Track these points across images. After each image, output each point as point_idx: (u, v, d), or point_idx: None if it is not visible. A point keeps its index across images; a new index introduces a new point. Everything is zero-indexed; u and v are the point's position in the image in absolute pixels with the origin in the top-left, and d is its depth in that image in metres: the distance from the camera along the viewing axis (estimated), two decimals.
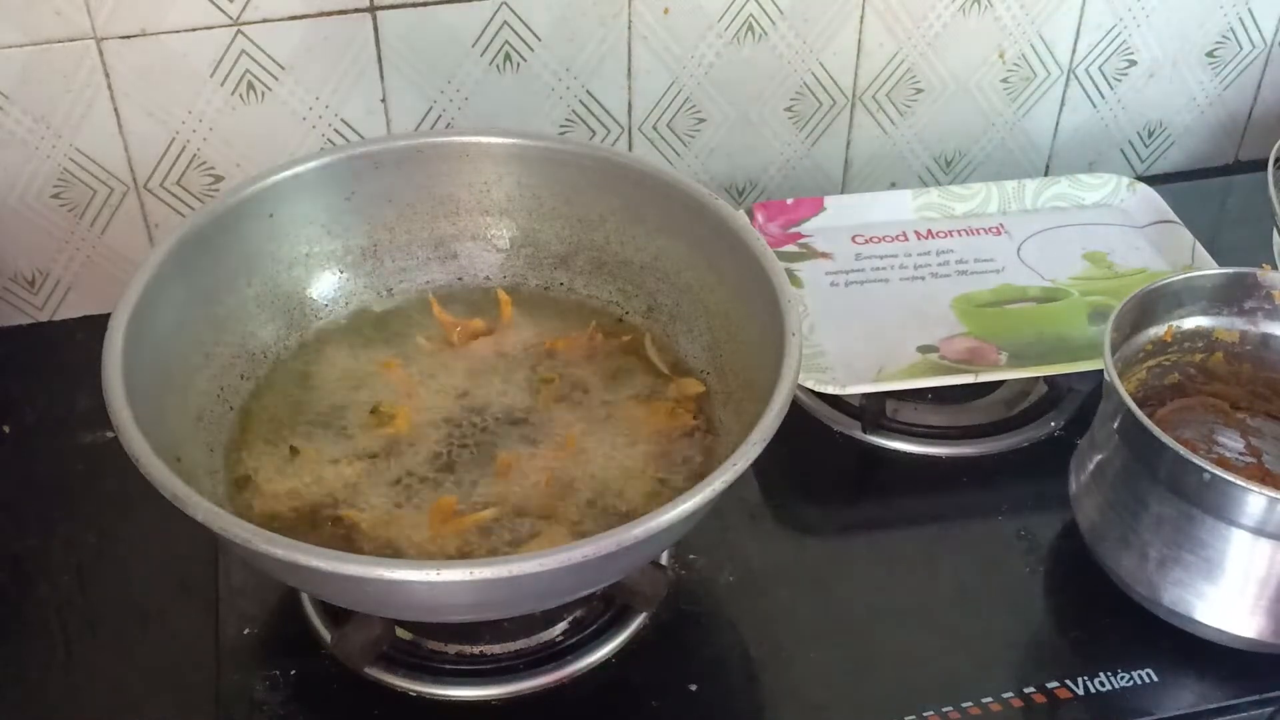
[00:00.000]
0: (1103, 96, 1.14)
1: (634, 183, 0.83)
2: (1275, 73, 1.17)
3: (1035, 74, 1.10)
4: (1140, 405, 0.73)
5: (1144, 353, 0.81)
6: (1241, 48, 1.15)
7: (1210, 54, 1.14)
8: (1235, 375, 0.83)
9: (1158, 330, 0.82)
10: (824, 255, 1.01)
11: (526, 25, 0.96)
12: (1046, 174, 1.17)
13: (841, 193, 1.11)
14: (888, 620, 0.77)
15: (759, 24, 1.01)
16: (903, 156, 1.12)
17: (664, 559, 0.79)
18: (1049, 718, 0.72)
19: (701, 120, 1.05)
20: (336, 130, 0.97)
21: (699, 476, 0.66)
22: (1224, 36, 1.13)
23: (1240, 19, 1.13)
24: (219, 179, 0.97)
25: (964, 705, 0.72)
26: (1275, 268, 0.93)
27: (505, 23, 0.96)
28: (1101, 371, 0.76)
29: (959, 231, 1.03)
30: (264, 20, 0.91)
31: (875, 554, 0.82)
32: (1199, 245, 0.99)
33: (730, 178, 1.09)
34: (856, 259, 1.00)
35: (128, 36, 0.89)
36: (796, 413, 0.86)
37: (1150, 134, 1.18)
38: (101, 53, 0.89)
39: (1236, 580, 0.71)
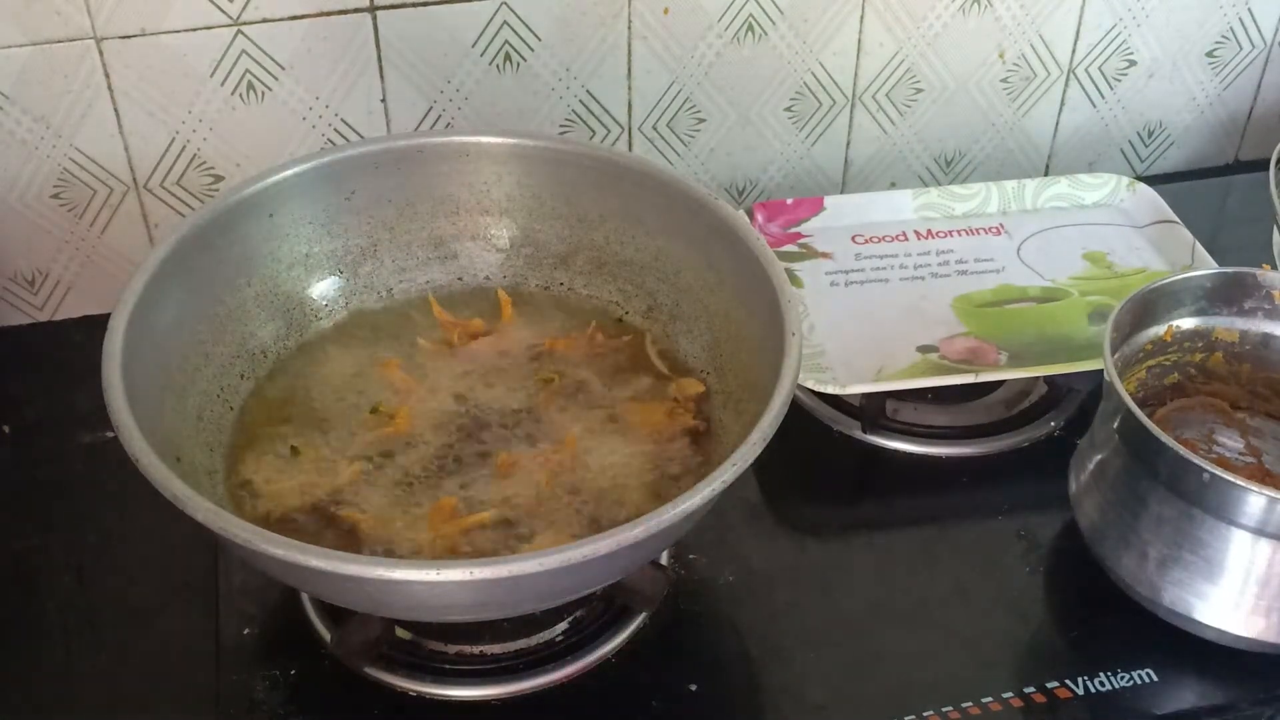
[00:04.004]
0: (1102, 96, 1.14)
1: (634, 183, 0.83)
2: (1275, 73, 1.17)
3: (1035, 74, 1.10)
4: (1140, 405, 0.73)
5: (1144, 353, 0.81)
6: (1241, 48, 1.15)
7: (1210, 54, 1.14)
8: (1235, 375, 0.83)
9: (1157, 330, 0.82)
10: (824, 255, 1.01)
11: (526, 25, 0.96)
12: (1046, 174, 1.17)
13: (841, 193, 1.11)
14: (888, 620, 0.77)
15: (759, 24, 1.01)
16: (903, 156, 1.12)
17: (664, 559, 0.79)
18: (1049, 718, 0.72)
19: (701, 120, 1.05)
20: (336, 130, 0.97)
21: (699, 476, 0.66)
22: (1224, 36, 1.13)
23: (1240, 19, 1.13)
24: (219, 179, 0.97)
25: (964, 705, 0.72)
26: (1275, 268, 0.93)
27: (505, 23, 0.96)
28: (1101, 371, 0.76)
29: (959, 231, 1.03)
30: (264, 20, 0.91)
31: (875, 554, 0.82)
32: (1199, 245, 0.99)
33: (730, 178, 1.09)
34: (856, 259, 1.00)
35: (128, 36, 0.89)
36: (796, 413, 0.86)
37: (1150, 134, 1.18)
38: (101, 53, 0.89)
39: (1236, 580, 0.71)
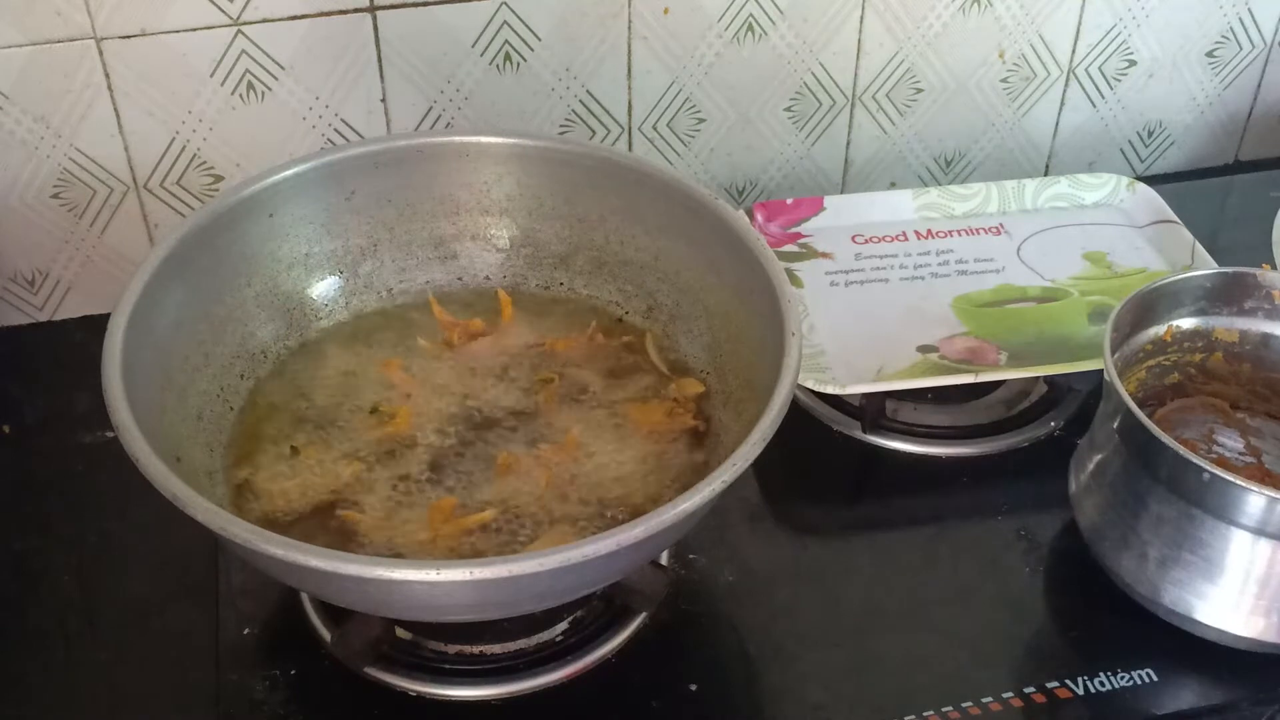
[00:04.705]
0: (1102, 96, 1.14)
1: (634, 183, 0.83)
2: (1275, 73, 1.17)
3: (1035, 74, 1.10)
4: (1140, 405, 0.73)
5: (1144, 353, 0.81)
6: (1241, 48, 1.15)
7: (1210, 54, 1.14)
8: (1235, 375, 0.83)
9: (1157, 330, 0.82)
10: (824, 255, 1.01)
11: (526, 25, 0.96)
12: (1046, 174, 1.17)
13: (841, 193, 1.11)
14: (888, 620, 0.77)
15: (759, 24, 1.01)
16: (903, 156, 1.12)
17: (664, 559, 0.79)
18: (1049, 718, 0.72)
19: (701, 120, 1.05)
20: (336, 130, 0.97)
21: (699, 476, 0.66)
22: (1224, 36, 1.13)
23: (1240, 19, 1.13)
24: (219, 179, 0.97)
25: (964, 705, 0.72)
26: (1275, 267, 0.93)
27: (505, 23, 0.96)
28: (1101, 371, 0.76)
29: (959, 231, 1.03)
30: (264, 20, 0.91)
31: (875, 554, 0.82)
32: (1199, 245, 0.99)
33: (730, 178, 1.09)
34: (856, 259, 1.00)
35: (128, 36, 0.89)
36: (796, 413, 0.86)
37: (1150, 134, 1.18)
38: (101, 53, 0.89)
39: (1236, 580, 0.71)
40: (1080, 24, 1.09)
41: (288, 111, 0.95)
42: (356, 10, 0.93)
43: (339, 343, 0.83)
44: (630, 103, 1.03)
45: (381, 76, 0.96)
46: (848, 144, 1.10)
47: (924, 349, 0.91)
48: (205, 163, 0.96)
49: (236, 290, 0.80)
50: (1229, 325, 0.82)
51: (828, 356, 0.90)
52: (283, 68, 0.93)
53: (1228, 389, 0.83)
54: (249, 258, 0.80)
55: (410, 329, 0.84)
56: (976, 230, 1.03)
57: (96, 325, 0.69)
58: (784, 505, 0.85)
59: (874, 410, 0.88)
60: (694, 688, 0.73)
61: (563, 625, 0.75)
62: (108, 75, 0.90)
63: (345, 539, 0.71)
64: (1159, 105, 1.16)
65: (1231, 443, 0.82)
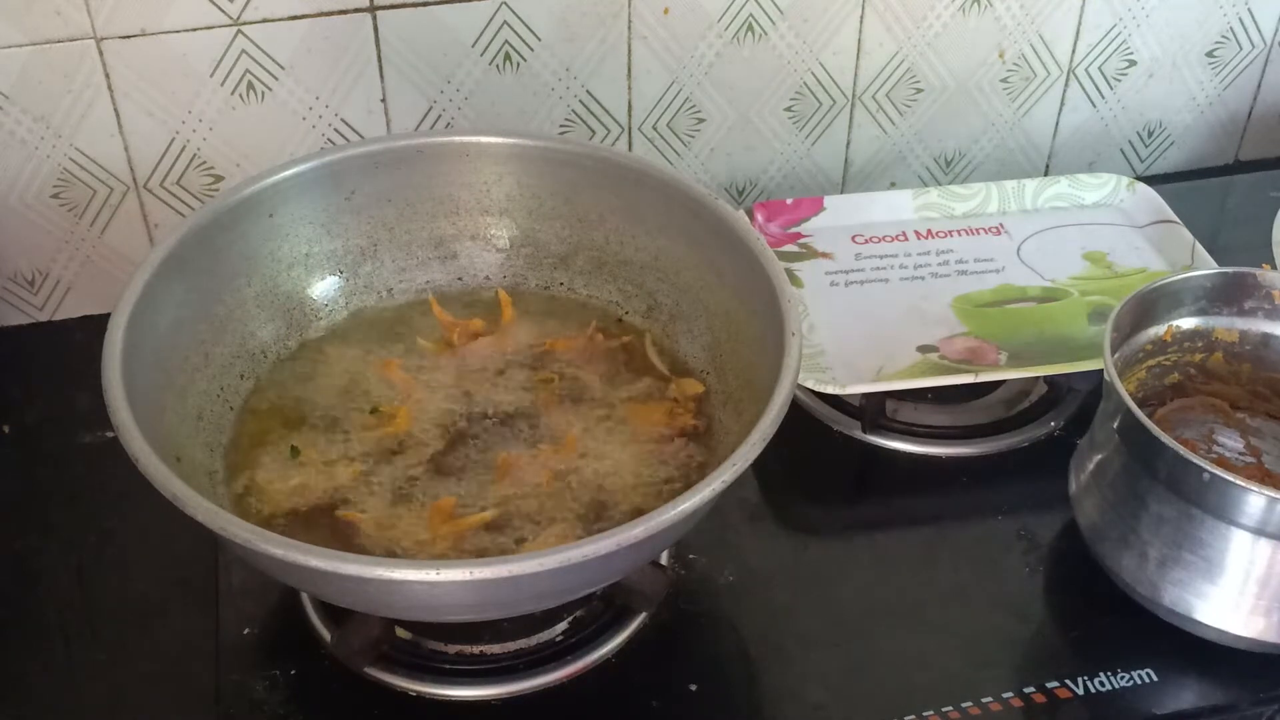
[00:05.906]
0: (1102, 96, 1.14)
1: (634, 183, 0.83)
2: (1275, 73, 1.17)
3: (1035, 74, 1.10)
4: (1140, 405, 0.73)
5: (1144, 353, 0.81)
6: (1241, 48, 1.15)
7: (1210, 54, 1.14)
8: (1235, 375, 0.83)
9: (1157, 330, 0.82)
10: (824, 255, 1.01)
11: (526, 25, 0.96)
12: (1046, 174, 1.17)
13: (841, 193, 1.11)
14: (888, 620, 0.77)
15: (759, 24, 1.01)
16: (903, 156, 1.12)
17: (664, 559, 0.79)
18: (1049, 718, 0.72)
19: (701, 120, 1.05)
20: (336, 130, 0.97)
21: (699, 476, 0.66)
22: (1224, 36, 1.13)
23: (1240, 19, 1.13)
24: (219, 179, 0.97)
25: (964, 705, 0.72)
26: (1275, 267, 0.93)
27: (505, 23, 0.96)
28: (1101, 371, 0.76)
29: (959, 231, 1.03)
30: (264, 20, 0.91)
31: (875, 554, 0.82)
32: (1199, 245, 0.99)
33: (730, 178, 1.09)
34: (856, 259, 1.00)
35: (128, 36, 0.89)
36: (796, 413, 0.86)
37: (1150, 134, 1.18)
38: (101, 53, 0.89)
39: (1236, 580, 0.71)
40: (1080, 24, 1.09)
41: (288, 111, 0.95)
42: (356, 10, 0.93)
43: (339, 343, 0.83)
44: (630, 103, 1.03)
45: (381, 76, 0.96)
46: (848, 144, 1.10)
47: (924, 349, 0.91)
48: (205, 163, 0.96)
49: (236, 290, 0.80)
50: (1229, 325, 0.82)
51: (828, 356, 0.90)
52: (283, 68, 0.93)
53: (1228, 389, 0.83)
54: (249, 258, 0.80)
55: (410, 329, 0.84)
56: (976, 230, 1.03)
57: (96, 325, 0.69)
58: (784, 505, 0.85)
59: (874, 410, 0.88)
60: (694, 688, 0.73)
61: (563, 625, 0.75)
62: (108, 75, 0.90)
63: (345, 539, 0.71)
64: (1159, 105, 1.16)
65: (1231, 443, 0.82)
